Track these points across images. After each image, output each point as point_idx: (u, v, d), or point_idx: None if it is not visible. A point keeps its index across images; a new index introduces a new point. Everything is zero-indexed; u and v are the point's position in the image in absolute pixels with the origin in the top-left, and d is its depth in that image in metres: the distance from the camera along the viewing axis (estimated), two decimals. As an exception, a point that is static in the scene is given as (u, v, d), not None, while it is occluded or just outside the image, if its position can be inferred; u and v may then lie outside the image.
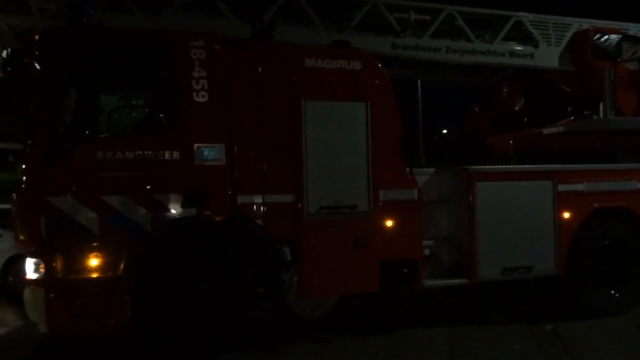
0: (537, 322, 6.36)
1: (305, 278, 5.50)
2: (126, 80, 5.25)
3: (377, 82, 5.84)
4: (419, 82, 11.25)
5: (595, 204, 6.63)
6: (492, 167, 6.70)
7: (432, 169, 6.84)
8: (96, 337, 5.12)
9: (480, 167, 6.44)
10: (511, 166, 6.97)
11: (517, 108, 9.11)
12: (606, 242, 6.74)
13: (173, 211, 5.06)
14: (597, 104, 7.60)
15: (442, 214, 6.48)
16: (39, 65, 4.97)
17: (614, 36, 7.93)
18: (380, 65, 5.96)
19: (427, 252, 6.18)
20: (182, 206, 5.08)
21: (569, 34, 7.95)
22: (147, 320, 5.03)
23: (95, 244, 4.91)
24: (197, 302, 5.13)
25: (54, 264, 4.81)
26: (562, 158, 7.58)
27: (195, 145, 5.16)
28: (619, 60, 7.79)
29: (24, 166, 4.90)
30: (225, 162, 5.25)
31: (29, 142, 4.90)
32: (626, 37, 8.04)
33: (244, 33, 5.94)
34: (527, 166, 6.70)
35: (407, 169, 5.93)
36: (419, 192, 5.92)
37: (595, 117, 7.63)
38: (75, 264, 4.86)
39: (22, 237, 4.95)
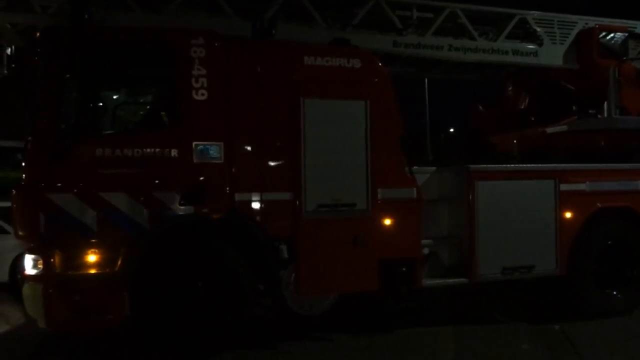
0: (545, 321, 6.32)
1: (302, 276, 5.51)
2: (126, 78, 5.27)
3: (376, 80, 5.82)
4: (425, 80, 11.18)
5: (598, 204, 6.57)
6: (492, 166, 6.66)
7: (433, 168, 6.83)
8: (95, 333, 5.16)
9: (480, 166, 6.40)
10: (512, 165, 6.93)
11: (522, 107, 9.05)
12: (609, 243, 6.67)
13: (171, 209, 5.08)
14: (602, 103, 7.52)
15: (442, 213, 6.46)
16: (40, 62, 5.01)
17: (620, 34, 7.84)
18: (380, 63, 5.94)
19: (426, 251, 6.16)
20: (181, 204, 5.11)
21: (574, 32, 7.87)
22: (146, 317, 5.07)
23: (93, 241, 4.94)
24: (195, 299, 5.15)
25: (53, 260, 4.85)
26: (567, 157, 7.53)
27: (194, 143, 5.17)
28: (625, 58, 7.69)
29: (24, 162, 4.95)
30: (224, 160, 5.26)
31: (30, 138, 4.96)
32: (632, 35, 7.94)
33: (245, 31, 5.95)
34: (528, 165, 6.66)
35: (407, 167, 5.91)
36: (418, 191, 5.90)
37: (600, 116, 7.54)
38: (74, 260, 4.90)
39: (21, 233, 5.01)
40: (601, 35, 7.81)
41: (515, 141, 8.54)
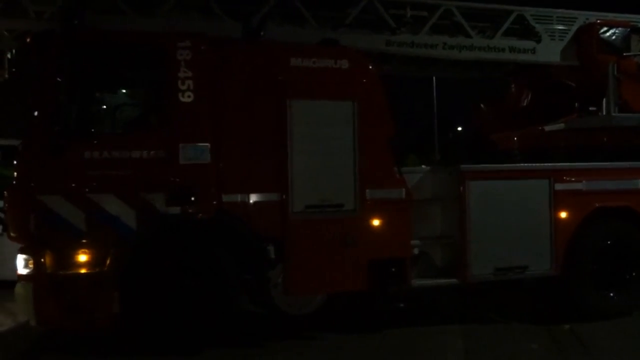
0: (554, 322, 6.27)
1: (290, 276, 5.55)
2: (115, 81, 5.37)
3: (365, 80, 5.82)
4: (434, 78, 11.10)
5: (596, 204, 6.46)
6: (484, 165, 6.60)
7: (427, 167, 6.80)
8: (85, 331, 5.28)
9: (472, 165, 6.36)
10: (505, 165, 6.84)
11: (524, 104, 8.92)
12: (607, 243, 6.56)
13: (158, 209, 5.16)
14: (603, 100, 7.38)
15: (435, 213, 6.43)
16: (31, 66, 5.14)
17: (621, 29, 7.66)
18: (369, 63, 5.93)
19: (416, 251, 6.15)
20: (168, 204, 5.19)
21: (574, 28, 7.71)
22: (136, 315, 5.17)
23: (82, 241, 5.06)
24: (182, 298, 5.23)
25: (43, 260, 4.98)
26: (567, 156, 7.41)
27: (181, 144, 5.25)
28: (625, 54, 7.52)
29: (16, 164, 5.09)
30: (211, 161, 5.33)
31: (22, 140, 5.10)
32: (636, 30, 7.75)
33: (237, 32, 5.99)
34: (521, 165, 6.59)
35: (396, 168, 5.89)
36: (407, 191, 5.88)
37: (600, 114, 7.41)
38: (64, 260, 5.02)
39: (13, 234, 5.15)
40: (602, 31, 7.65)
41: (515, 139, 8.44)
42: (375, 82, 5.87)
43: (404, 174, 6.01)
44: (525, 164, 6.56)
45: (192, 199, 5.23)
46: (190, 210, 5.24)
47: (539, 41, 7.60)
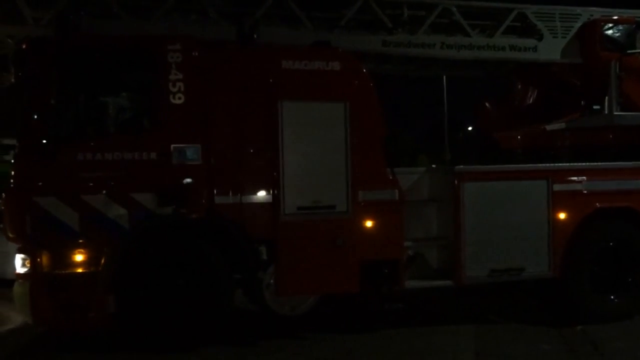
0: (565, 323, 6.21)
1: (281, 277, 5.59)
2: (108, 84, 5.41)
3: (357, 82, 5.81)
4: (444, 78, 10.97)
5: (596, 204, 6.35)
6: (480, 166, 6.54)
7: (423, 168, 6.77)
8: (79, 330, 5.39)
9: (467, 166, 6.30)
10: (501, 165, 6.75)
11: (528, 102, 8.79)
12: (608, 245, 6.45)
13: (150, 210, 5.24)
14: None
15: (431, 214, 6.41)
16: (26, 71, 5.26)
17: (626, 26, 7.49)
18: (360, 65, 5.93)
19: (410, 252, 6.13)
20: (160, 205, 5.27)
21: (577, 25, 7.57)
22: (130, 314, 5.26)
23: (77, 241, 5.17)
24: (175, 297, 5.30)
25: (39, 260, 5.11)
26: (569, 155, 7.29)
27: (172, 145, 5.32)
28: (628, 52, 7.35)
29: (12, 166, 5.23)
30: (202, 162, 5.39)
31: (17, 144, 5.23)
32: None
33: (233, 35, 6.03)
34: (518, 165, 6.50)
35: (389, 169, 5.87)
36: (400, 192, 5.86)
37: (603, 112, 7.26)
38: (59, 260, 5.13)
39: (10, 234, 5.29)
40: (605, 28, 7.49)
41: (518, 138, 8.33)
42: (367, 83, 5.86)
43: (400, 175, 6.00)
44: (523, 165, 6.47)
45: (184, 199, 5.30)
46: (181, 211, 5.31)
47: (540, 39, 7.48)
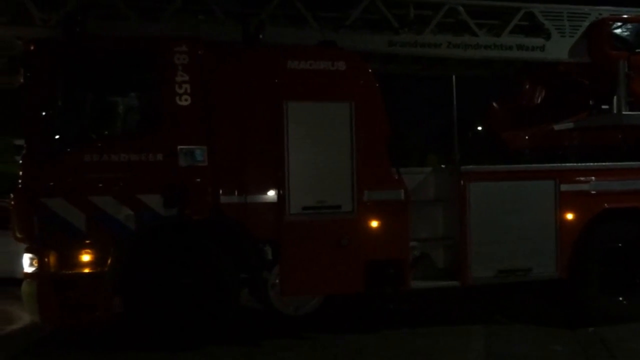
0: (577, 324, 6.18)
1: (286, 277, 5.60)
2: (114, 85, 5.45)
3: (362, 82, 5.81)
4: (453, 77, 10.88)
5: (605, 205, 6.29)
6: (486, 166, 6.53)
7: (429, 168, 6.74)
8: (85, 328, 5.45)
9: (473, 166, 6.27)
10: (507, 166, 6.70)
11: (537, 102, 8.71)
12: (616, 245, 6.38)
13: (156, 211, 5.28)
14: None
15: (437, 214, 6.38)
16: (33, 72, 5.30)
17: (635, 25, 7.41)
18: (366, 64, 5.92)
19: (417, 252, 6.12)
20: (165, 205, 5.30)
21: (585, 24, 7.49)
22: (136, 314, 5.31)
23: (83, 242, 5.21)
24: (180, 297, 5.34)
25: (46, 260, 5.15)
26: (577, 155, 7.22)
27: (179, 147, 5.35)
28: (637, 50, 7.26)
29: (20, 168, 5.28)
30: (208, 163, 5.41)
31: (25, 144, 5.28)
32: (649, 25, 7.48)
33: (238, 35, 6.04)
34: (525, 166, 6.46)
35: (394, 168, 5.86)
36: (405, 192, 5.85)
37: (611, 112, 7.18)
38: (66, 259, 5.19)
39: (18, 235, 5.34)
40: (613, 26, 7.41)
41: (526, 138, 8.26)
42: (372, 83, 5.85)
43: (406, 175, 5.99)
44: (529, 165, 6.43)
45: (190, 200, 5.32)
46: (187, 212, 5.34)
47: (548, 38, 7.41)
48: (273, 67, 5.62)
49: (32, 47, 5.36)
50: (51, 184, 5.17)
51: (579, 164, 6.42)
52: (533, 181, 6.18)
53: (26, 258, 5.31)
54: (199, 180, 5.38)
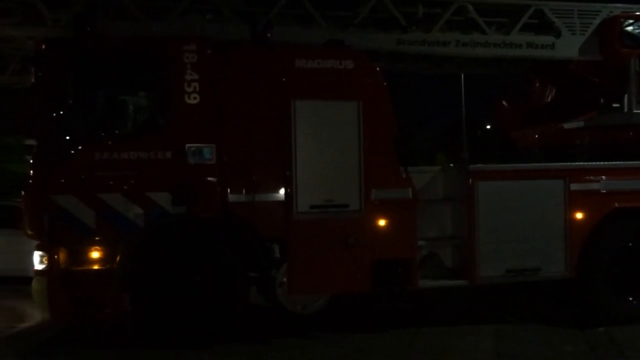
0: (587, 324, 6.15)
1: (293, 275, 5.61)
2: (124, 84, 5.48)
3: (369, 81, 5.81)
4: (462, 75, 10.80)
5: (615, 204, 6.24)
6: (495, 165, 6.51)
7: (437, 167, 6.72)
8: (95, 325, 5.50)
9: (481, 165, 6.26)
10: (516, 164, 6.66)
11: (547, 100, 8.64)
12: (627, 245, 6.34)
13: (164, 209, 5.32)
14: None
15: (445, 213, 6.36)
16: (44, 71, 5.36)
17: (647, 22, 7.31)
18: (373, 63, 5.91)
19: (425, 251, 6.10)
20: (174, 204, 5.34)
21: (596, 22, 7.38)
22: (144, 311, 5.36)
23: (92, 239, 5.27)
24: (188, 294, 5.38)
25: (56, 257, 5.21)
26: (587, 154, 7.15)
27: (187, 145, 5.39)
28: None
29: (30, 166, 5.34)
30: (216, 161, 5.44)
31: (35, 143, 5.34)
32: (664, 22, 7.38)
33: (246, 34, 6.06)
34: (534, 165, 6.42)
35: (402, 167, 5.85)
36: (413, 191, 5.83)
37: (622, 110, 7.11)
38: (75, 256, 5.25)
39: (29, 232, 5.41)
40: (625, 24, 7.32)
41: (536, 137, 8.20)
42: (380, 82, 5.85)
43: (414, 174, 5.98)
44: (538, 164, 6.39)
45: (198, 198, 5.35)
46: (195, 210, 5.37)
47: (558, 36, 7.32)
48: (281, 66, 5.64)
49: (43, 47, 5.43)
50: (61, 181, 5.23)
51: (588, 163, 6.37)
52: (542, 180, 6.15)
53: (36, 255, 5.37)
54: (207, 178, 5.42)
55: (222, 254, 5.50)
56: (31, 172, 5.33)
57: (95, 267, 5.28)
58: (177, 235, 5.44)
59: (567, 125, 7.45)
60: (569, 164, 6.40)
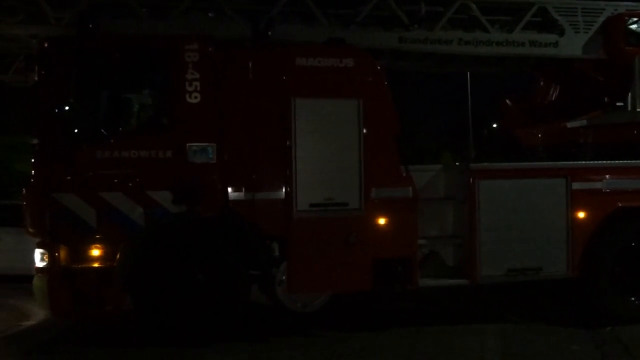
0: (594, 323, 6.12)
1: (293, 274, 5.62)
2: (126, 83, 5.50)
3: (370, 79, 5.80)
4: (468, 74, 10.78)
5: (618, 203, 6.20)
6: (496, 164, 6.47)
7: (438, 166, 6.70)
8: (95, 322, 5.53)
9: (483, 164, 6.25)
10: (518, 163, 6.63)
11: (551, 99, 8.60)
12: (629, 245, 6.30)
13: (165, 207, 5.33)
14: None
15: (446, 212, 6.33)
16: (47, 70, 5.40)
17: (652, 20, 7.26)
18: (374, 62, 5.90)
19: (426, 250, 6.09)
20: (174, 202, 5.35)
21: (600, 20, 7.33)
22: (145, 309, 5.38)
23: (93, 237, 5.30)
24: (188, 294, 5.39)
25: (57, 254, 5.26)
26: (591, 153, 7.11)
27: (188, 144, 5.40)
28: None
29: (32, 164, 5.38)
30: (217, 160, 5.45)
31: (37, 141, 5.37)
32: (669, 20, 7.32)
33: (247, 32, 6.07)
34: (535, 163, 6.39)
35: (402, 166, 5.84)
36: (414, 190, 5.82)
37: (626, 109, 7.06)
38: (76, 254, 5.29)
39: (30, 229, 5.45)
40: (629, 22, 7.26)
41: (539, 136, 8.16)
42: (381, 80, 5.84)
43: (415, 173, 5.96)
44: (540, 163, 6.35)
45: (198, 197, 5.37)
46: (196, 208, 5.39)
47: (561, 34, 7.28)
48: (282, 65, 5.64)
49: (46, 46, 5.46)
50: (63, 179, 5.26)
51: (591, 162, 6.33)
52: (544, 179, 6.11)
53: (37, 253, 5.42)
54: (208, 177, 5.43)
55: (222, 252, 5.52)
56: (33, 169, 5.36)
57: (96, 265, 5.31)
58: (178, 233, 5.46)
59: (570, 124, 7.41)
60: (570, 162, 6.37)
